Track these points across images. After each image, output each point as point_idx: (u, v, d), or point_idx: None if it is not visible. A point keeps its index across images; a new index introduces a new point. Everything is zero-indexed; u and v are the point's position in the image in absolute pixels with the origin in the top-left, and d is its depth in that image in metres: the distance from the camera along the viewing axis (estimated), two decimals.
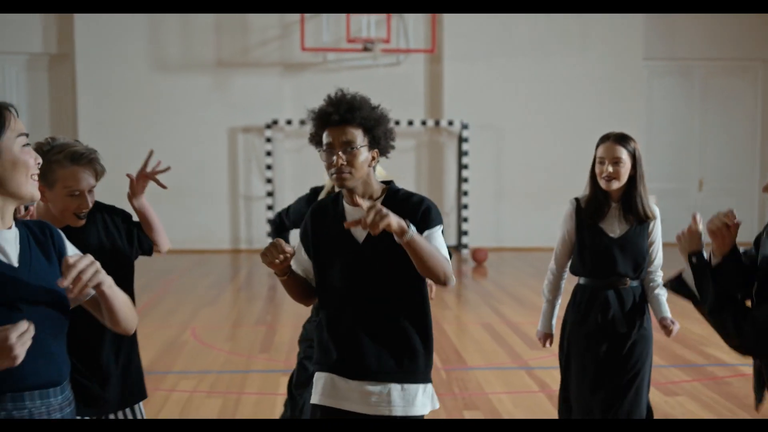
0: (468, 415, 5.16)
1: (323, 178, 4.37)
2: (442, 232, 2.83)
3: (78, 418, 2.15)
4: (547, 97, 13.58)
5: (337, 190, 2.95)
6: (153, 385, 5.82)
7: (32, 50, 13.41)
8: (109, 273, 1.97)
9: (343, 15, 12.91)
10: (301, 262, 2.89)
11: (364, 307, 2.77)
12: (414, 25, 13.31)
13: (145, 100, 13.19)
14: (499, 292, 9.82)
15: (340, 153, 2.72)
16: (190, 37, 13.30)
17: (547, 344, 3.96)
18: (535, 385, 5.84)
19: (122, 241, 3.13)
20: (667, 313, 3.74)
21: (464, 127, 13.27)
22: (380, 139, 2.79)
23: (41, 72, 13.56)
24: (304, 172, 13.31)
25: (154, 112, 13.18)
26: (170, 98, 13.26)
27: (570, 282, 3.81)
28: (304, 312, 4.46)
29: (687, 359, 6.43)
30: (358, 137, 2.75)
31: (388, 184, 2.89)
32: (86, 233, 3.00)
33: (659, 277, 3.76)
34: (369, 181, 2.80)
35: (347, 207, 2.82)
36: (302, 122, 13.10)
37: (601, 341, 3.67)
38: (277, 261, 2.68)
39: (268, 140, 13.23)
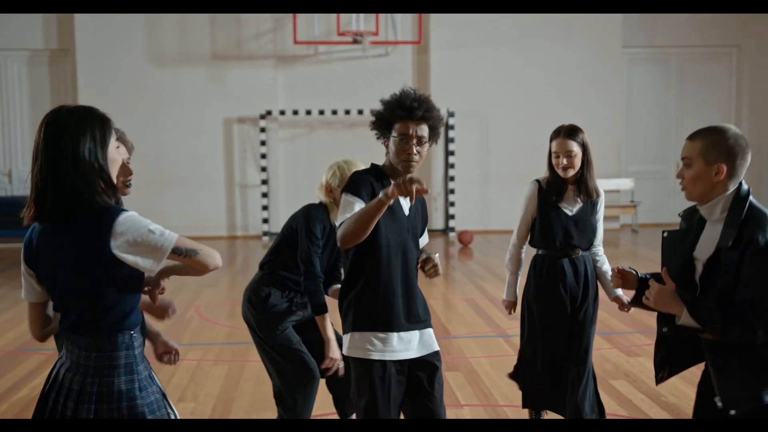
0: (449, 375, 5.73)
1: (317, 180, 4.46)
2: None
3: None
4: (531, 85, 14.15)
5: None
6: None
7: (33, 46, 13.90)
8: None
9: None
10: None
11: (408, 266, 3.36)
12: (402, 17, 13.84)
13: (144, 93, 13.70)
14: (483, 271, 10.41)
15: (414, 144, 3.30)
16: (186, 31, 13.81)
17: (512, 311, 4.56)
18: (511, 350, 6.42)
19: None
20: (620, 291, 4.30)
21: (451, 114, 13.82)
22: (437, 136, 3.39)
23: (42, 67, 14.05)
24: (296, 160, 13.91)
25: (152, 105, 13.70)
26: (168, 91, 13.78)
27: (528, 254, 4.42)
28: None
29: (649, 326, 7.03)
30: (428, 133, 3.34)
31: None
32: None
33: (602, 251, 4.39)
34: None
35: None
36: (295, 112, 13.68)
37: (564, 304, 4.26)
38: (418, 186, 2.95)
39: (263, 130, 13.76)
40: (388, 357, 3.29)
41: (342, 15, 13.47)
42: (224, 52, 13.90)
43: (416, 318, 3.38)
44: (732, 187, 2.78)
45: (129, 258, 2.46)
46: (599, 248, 4.40)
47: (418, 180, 2.98)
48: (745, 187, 2.79)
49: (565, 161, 4.19)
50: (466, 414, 4.99)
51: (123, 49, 13.67)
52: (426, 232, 3.58)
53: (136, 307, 2.60)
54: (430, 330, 3.46)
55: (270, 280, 4.31)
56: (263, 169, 13.86)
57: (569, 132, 4.22)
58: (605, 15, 13.95)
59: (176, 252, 2.50)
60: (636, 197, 14.42)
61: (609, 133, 14.11)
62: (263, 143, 13.80)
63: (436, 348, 3.45)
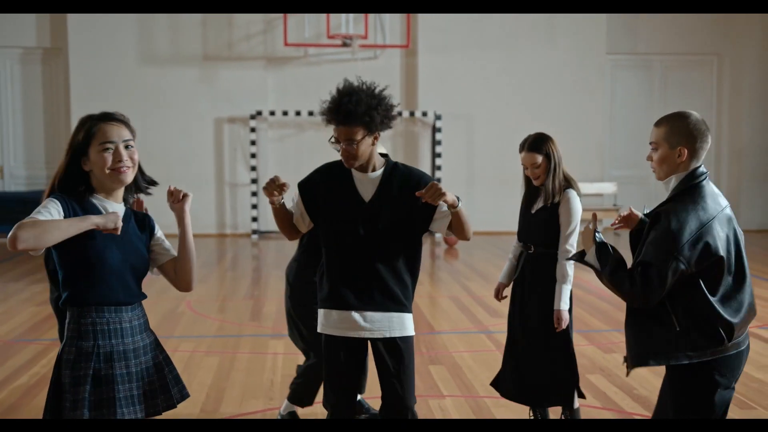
0: (433, 369, 5.98)
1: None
2: None
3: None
4: (516, 89, 14.43)
5: None
6: None
7: (26, 44, 14.06)
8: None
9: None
10: (297, 208, 3.57)
11: (369, 251, 3.48)
12: (390, 21, 14.10)
13: (135, 93, 13.88)
14: (468, 270, 10.66)
15: (345, 146, 3.40)
16: (177, 32, 14.01)
17: (499, 295, 4.67)
18: (492, 345, 6.68)
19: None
20: (561, 305, 4.30)
21: (438, 117, 14.08)
22: (379, 124, 3.40)
23: (35, 65, 14.22)
24: (286, 159, 14.13)
25: (143, 104, 13.87)
26: (159, 91, 13.98)
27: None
28: None
29: None
30: (359, 133, 3.38)
31: (385, 157, 3.62)
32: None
33: (564, 259, 4.30)
34: (372, 157, 3.50)
35: (354, 172, 3.53)
36: (285, 113, 13.91)
37: (515, 295, 4.51)
38: (276, 193, 3.34)
39: (253, 130, 13.98)
40: (330, 332, 3.53)
41: (332, 18, 13.72)
42: (215, 53, 14.11)
43: (371, 300, 3.48)
44: (693, 167, 3.11)
45: None
46: (562, 259, 4.30)
47: (276, 183, 3.33)
48: (701, 169, 3.11)
49: (531, 173, 4.44)
50: (448, 404, 5.23)
51: (115, 48, 13.85)
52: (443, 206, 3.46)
53: (79, 284, 2.84)
54: (392, 314, 3.51)
55: (306, 251, 4.45)
56: (253, 169, 14.07)
57: (532, 145, 4.39)
58: (590, 21, 14.25)
59: None
60: (618, 201, 14.71)
61: (592, 137, 14.42)
62: (253, 143, 14.01)
63: (397, 334, 3.52)
